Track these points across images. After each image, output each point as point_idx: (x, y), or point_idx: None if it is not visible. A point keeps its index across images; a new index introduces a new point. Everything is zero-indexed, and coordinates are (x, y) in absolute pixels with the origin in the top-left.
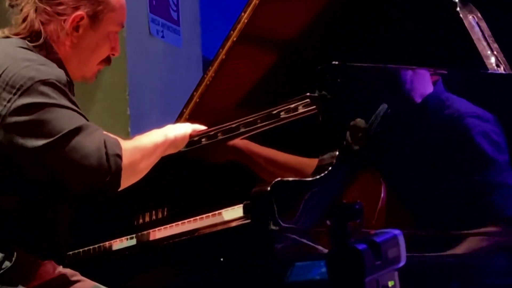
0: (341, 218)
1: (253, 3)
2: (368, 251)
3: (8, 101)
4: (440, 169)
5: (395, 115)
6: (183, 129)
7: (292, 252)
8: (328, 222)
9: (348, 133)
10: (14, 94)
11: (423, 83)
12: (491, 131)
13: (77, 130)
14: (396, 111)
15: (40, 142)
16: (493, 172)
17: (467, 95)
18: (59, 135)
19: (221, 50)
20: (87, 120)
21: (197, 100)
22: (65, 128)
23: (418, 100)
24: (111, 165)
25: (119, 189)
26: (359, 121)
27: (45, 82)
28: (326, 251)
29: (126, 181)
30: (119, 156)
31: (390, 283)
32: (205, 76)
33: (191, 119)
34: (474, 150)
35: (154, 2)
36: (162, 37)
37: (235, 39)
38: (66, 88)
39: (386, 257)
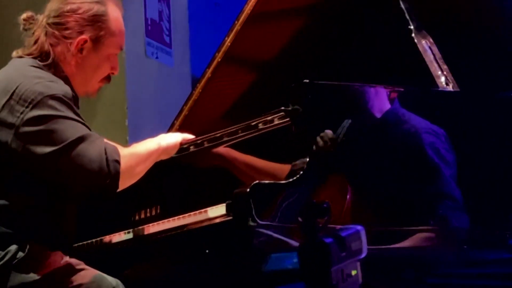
0: (311, 215)
1: (235, 29)
2: (334, 244)
3: (21, 113)
4: (398, 176)
5: (358, 127)
6: (174, 138)
7: (268, 245)
8: (299, 219)
9: (317, 142)
10: (26, 107)
11: (383, 99)
12: (441, 147)
13: (81, 139)
14: (360, 123)
15: (49, 149)
16: (440, 184)
17: (420, 111)
18: (65, 142)
19: (207, 69)
20: (90, 130)
21: (186, 113)
22: (70, 137)
23: (378, 114)
24: (110, 169)
25: (118, 190)
26: (327, 132)
27: (53, 97)
28: (297, 244)
29: (124, 183)
30: (118, 162)
31: (353, 272)
32: (194, 92)
33: (181, 129)
34: (426, 163)
35: (149, 27)
36: (157, 58)
37: (219, 60)
38: (72, 102)
39: (349, 250)
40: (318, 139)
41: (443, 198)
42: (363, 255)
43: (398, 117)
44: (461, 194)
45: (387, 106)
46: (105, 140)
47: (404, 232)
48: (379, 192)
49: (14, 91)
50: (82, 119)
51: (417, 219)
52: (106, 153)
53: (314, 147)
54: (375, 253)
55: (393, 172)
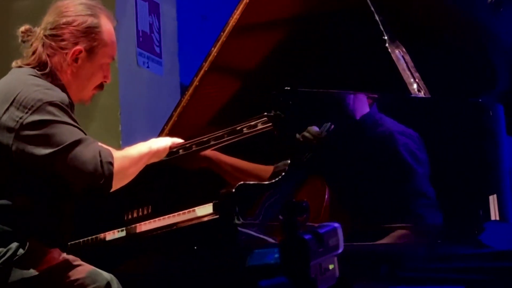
0: (291, 213)
1: (221, 40)
2: (313, 240)
3: (20, 118)
4: (374, 176)
5: (337, 131)
6: (164, 142)
7: (251, 241)
8: (280, 217)
9: (301, 137)
10: (26, 112)
11: (361, 104)
12: (414, 148)
13: (77, 142)
14: (338, 127)
15: (47, 151)
16: (414, 183)
17: (394, 115)
18: (62, 145)
19: (195, 78)
20: (85, 134)
21: (176, 118)
22: (67, 140)
23: (356, 119)
24: (104, 171)
25: (111, 190)
26: (308, 135)
27: (51, 103)
28: (279, 240)
29: (117, 184)
30: (111, 163)
31: (331, 266)
32: (182, 99)
33: (171, 134)
34: (400, 163)
35: (141, 39)
36: (148, 67)
37: (206, 69)
38: (68, 108)
39: (327, 245)
40: (299, 142)
41: (417, 197)
42: (339, 251)
43: (375, 120)
44: (434, 192)
45: (366, 110)
46: (100, 144)
47: (381, 230)
48: (356, 191)
49: (15, 98)
50: (78, 124)
51: (392, 217)
52: (100, 156)
53: (295, 150)
54: (352, 249)
55: (369, 173)
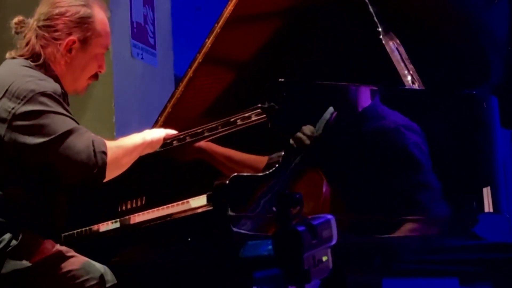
0: (285, 205)
1: (215, 31)
2: (306, 232)
3: (13, 108)
4: (374, 168)
5: (335, 122)
6: (158, 133)
7: (245, 233)
8: (274, 208)
9: (293, 136)
10: (18, 103)
11: (361, 96)
12: (420, 142)
13: (70, 132)
14: (338, 119)
15: (39, 140)
16: (422, 175)
17: (392, 107)
18: (55, 135)
19: (189, 69)
20: (78, 124)
21: (170, 110)
22: (59, 130)
23: (357, 110)
24: (98, 160)
25: (105, 180)
26: (304, 127)
27: (43, 94)
28: (272, 232)
29: (111, 174)
30: (105, 153)
31: (324, 258)
32: (176, 90)
33: (165, 125)
34: (408, 157)
35: (135, 30)
36: (142, 58)
37: (200, 60)
38: (61, 98)
39: (321, 237)
40: (295, 133)
41: (424, 188)
42: (333, 242)
43: (377, 113)
44: (440, 184)
45: (366, 103)
46: (93, 134)
47: (375, 222)
48: (357, 184)
49: (7, 89)
50: (71, 114)
51: (400, 209)
52: (93, 145)
53: (288, 141)
54: (345, 240)
55: (370, 166)
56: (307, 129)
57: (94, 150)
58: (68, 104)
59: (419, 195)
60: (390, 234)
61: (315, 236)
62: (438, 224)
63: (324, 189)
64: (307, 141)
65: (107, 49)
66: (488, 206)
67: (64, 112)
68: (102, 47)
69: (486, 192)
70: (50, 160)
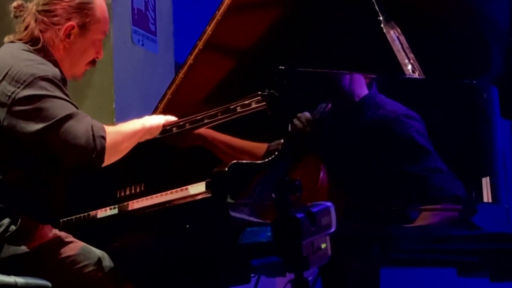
0: (284, 192)
1: (215, 18)
2: (305, 219)
3: (13, 93)
4: (373, 157)
5: (334, 111)
6: (158, 120)
7: (244, 220)
8: (273, 195)
9: (293, 124)
10: (18, 87)
11: (360, 85)
12: (422, 129)
13: (69, 116)
14: (334, 107)
15: (39, 125)
16: (430, 161)
17: (390, 96)
18: (54, 119)
19: (189, 56)
20: (78, 109)
21: (170, 96)
22: (59, 114)
23: (355, 99)
24: (96, 145)
25: (103, 165)
26: (303, 115)
27: (43, 78)
28: (271, 218)
29: (109, 159)
30: (104, 138)
31: (323, 245)
32: (177, 77)
33: (165, 112)
34: (412, 145)
35: (136, 16)
36: (142, 45)
37: (201, 47)
38: (61, 83)
39: (320, 224)
40: (295, 120)
41: (435, 172)
42: (332, 230)
43: (375, 102)
44: (447, 166)
45: (364, 92)
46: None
47: (372, 210)
48: (352, 172)
49: (7, 73)
50: (70, 99)
51: (409, 197)
52: (92, 130)
53: (290, 128)
54: (344, 228)
55: (369, 154)
56: (306, 116)
57: (93, 135)
58: (67, 89)
59: (431, 179)
60: (391, 224)
61: (314, 223)
62: (439, 213)
63: (321, 176)
64: (307, 129)
65: (106, 35)
66: (487, 196)
67: (64, 96)
68: (100, 33)
69: (485, 182)
70: (49, 144)
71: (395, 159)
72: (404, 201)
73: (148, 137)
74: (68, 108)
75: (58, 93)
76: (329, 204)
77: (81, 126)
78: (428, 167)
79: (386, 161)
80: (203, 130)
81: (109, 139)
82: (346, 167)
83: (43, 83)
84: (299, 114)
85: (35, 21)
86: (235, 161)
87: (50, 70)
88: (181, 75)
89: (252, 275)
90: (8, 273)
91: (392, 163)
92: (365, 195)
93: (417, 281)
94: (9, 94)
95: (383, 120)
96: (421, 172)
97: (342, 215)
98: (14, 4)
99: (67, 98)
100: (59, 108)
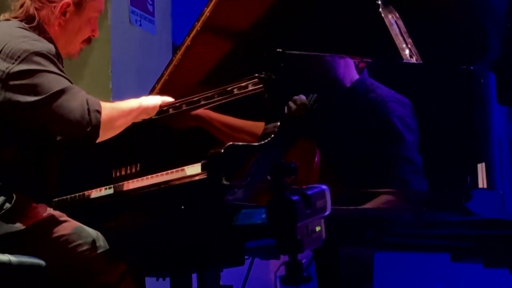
0: (279, 174)
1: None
2: (300, 202)
3: (7, 68)
4: (363, 140)
5: (329, 94)
6: (155, 100)
7: (239, 201)
8: (268, 177)
9: (289, 107)
10: (13, 63)
11: (352, 69)
12: (405, 115)
13: (64, 91)
14: (329, 91)
15: (33, 99)
16: (402, 148)
17: (386, 81)
18: (49, 93)
19: (187, 37)
20: (72, 84)
21: (167, 77)
22: (53, 88)
23: (348, 83)
24: (91, 119)
25: (98, 140)
26: (299, 98)
27: (38, 53)
28: (266, 200)
29: (104, 134)
30: (99, 112)
31: (317, 228)
32: (174, 58)
33: (162, 93)
34: (390, 129)
35: None
36: (140, 25)
37: (199, 28)
38: (55, 58)
39: (314, 207)
40: (291, 102)
41: (403, 162)
42: (327, 213)
43: (366, 86)
44: (422, 160)
45: (356, 76)
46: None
47: (367, 194)
48: (345, 155)
49: (2, 49)
50: (65, 74)
51: (379, 182)
52: (88, 104)
53: (286, 110)
54: (339, 212)
55: (359, 137)
56: (302, 99)
57: (88, 109)
58: (63, 66)
59: (398, 168)
60: (371, 206)
61: (309, 206)
62: (424, 198)
63: (316, 159)
64: (302, 111)
65: (101, 13)
66: (482, 182)
67: (58, 71)
68: (96, 10)
69: (481, 168)
70: (44, 118)
71: (374, 143)
72: (376, 185)
73: (145, 117)
74: (63, 83)
75: (53, 68)
76: (324, 187)
77: (76, 100)
78: (398, 154)
79: (372, 145)
80: (200, 111)
81: (104, 114)
82: (338, 150)
83: (38, 58)
84: (295, 97)
85: None
86: (231, 143)
87: (44, 46)
88: (178, 56)
89: (246, 257)
90: (2, 251)
91: (372, 147)
92: (355, 178)
93: (411, 267)
94: (3, 69)
95: (371, 103)
96: (388, 158)
97: (337, 199)
98: None
99: (61, 73)
100: (54, 82)
